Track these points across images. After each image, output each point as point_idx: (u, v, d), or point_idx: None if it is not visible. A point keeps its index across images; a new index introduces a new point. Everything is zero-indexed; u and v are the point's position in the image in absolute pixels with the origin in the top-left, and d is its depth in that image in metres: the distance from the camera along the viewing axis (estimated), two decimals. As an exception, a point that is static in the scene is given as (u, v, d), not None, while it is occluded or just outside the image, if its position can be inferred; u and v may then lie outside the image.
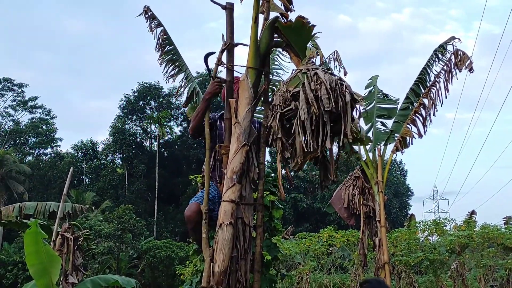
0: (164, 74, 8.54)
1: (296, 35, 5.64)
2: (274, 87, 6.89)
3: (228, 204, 4.96)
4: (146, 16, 8.38)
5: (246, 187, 5.22)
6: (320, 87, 5.01)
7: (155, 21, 8.46)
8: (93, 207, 17.41)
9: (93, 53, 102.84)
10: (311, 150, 5.06)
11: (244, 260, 5.01)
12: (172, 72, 8.61)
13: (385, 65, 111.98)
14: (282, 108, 5.18)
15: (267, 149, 5.87)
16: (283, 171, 5.78)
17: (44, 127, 61.09)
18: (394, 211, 57.92)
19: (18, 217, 12.43)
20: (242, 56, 5.58)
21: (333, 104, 4.97)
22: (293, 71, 5.54)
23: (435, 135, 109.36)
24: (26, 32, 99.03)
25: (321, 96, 4.98)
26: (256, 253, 5.24)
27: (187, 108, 7.85)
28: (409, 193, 66.39)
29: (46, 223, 11.95)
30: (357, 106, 5.29)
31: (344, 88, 5.12)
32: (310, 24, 5.52)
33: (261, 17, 5.66)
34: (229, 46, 5.56)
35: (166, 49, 8.57)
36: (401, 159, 68.22)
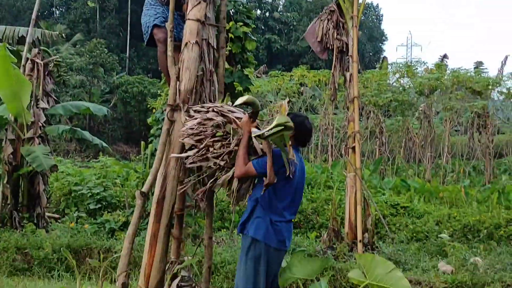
0: None
1: None
2: None
3: (193, 23, 4.81)
4: None
5: (210, 7, 5.04)
6: None
7: None
8: (64, 35, 16.97)
9: None
10: None
11: (210, 81, 4.96)
12: None
13: None
14: None
15: None
16: None
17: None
18: (367, 55, 58.05)
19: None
20: None
21: None
22: None
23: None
24: None
25: None
26: (219, 75, 5.19)
27: None
28: (383, 37, 66.01)
29: (15, 48, 11.63)
30: None
31: None
32: None
33: None
34: None
35: None
36: (377, 3, 67.00)
